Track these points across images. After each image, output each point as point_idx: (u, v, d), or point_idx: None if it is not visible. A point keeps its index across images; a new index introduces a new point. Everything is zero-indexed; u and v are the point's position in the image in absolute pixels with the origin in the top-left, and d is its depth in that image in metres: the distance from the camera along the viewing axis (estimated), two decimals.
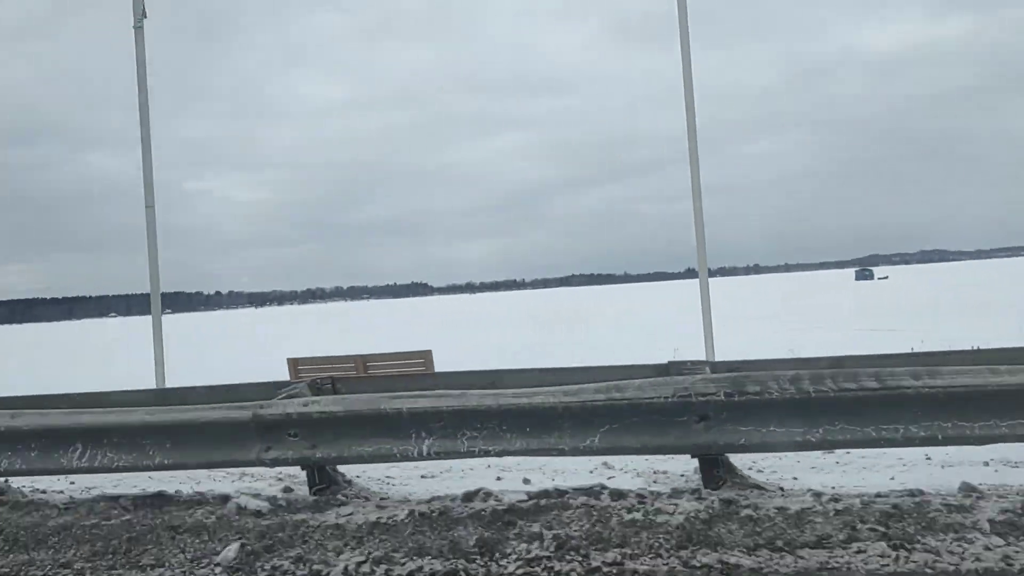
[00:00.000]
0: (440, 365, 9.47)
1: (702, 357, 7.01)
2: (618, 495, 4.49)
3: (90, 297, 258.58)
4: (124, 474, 5.54)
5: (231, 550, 4.10)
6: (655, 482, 5.22)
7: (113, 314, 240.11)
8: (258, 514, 4.62)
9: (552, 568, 3.71)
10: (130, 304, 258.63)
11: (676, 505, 4.21)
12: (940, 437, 4.33)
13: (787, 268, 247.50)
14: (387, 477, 5.69)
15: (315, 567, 3.89)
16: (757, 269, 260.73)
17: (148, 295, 8.61)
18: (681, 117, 7.16)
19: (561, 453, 4.64)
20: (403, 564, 3.83)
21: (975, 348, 5.74)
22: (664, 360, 5.42)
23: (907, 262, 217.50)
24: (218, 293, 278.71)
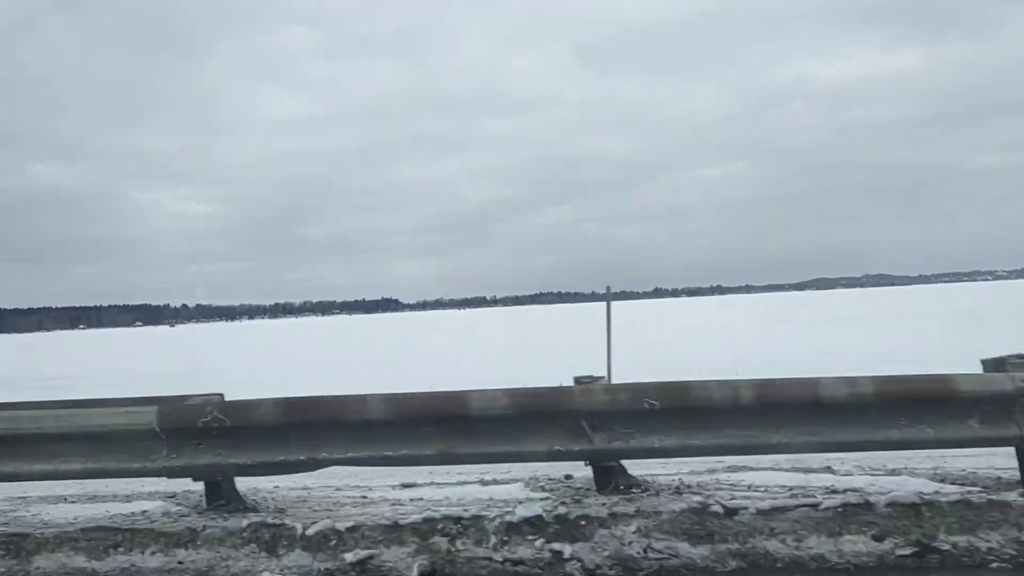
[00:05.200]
0: None
1: None
2: None
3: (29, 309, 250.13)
4: None
5: None
6: None
7: (82, 326, 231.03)
8: None
9: None
10: (76, 318, 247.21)
11: None
12: None
13: (748, 289, 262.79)
14: None
15: None
16: (720, 290, 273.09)
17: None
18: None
19: None
20: None
21: None
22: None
23: (860, 285, 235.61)
24: (185, 306, 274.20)
